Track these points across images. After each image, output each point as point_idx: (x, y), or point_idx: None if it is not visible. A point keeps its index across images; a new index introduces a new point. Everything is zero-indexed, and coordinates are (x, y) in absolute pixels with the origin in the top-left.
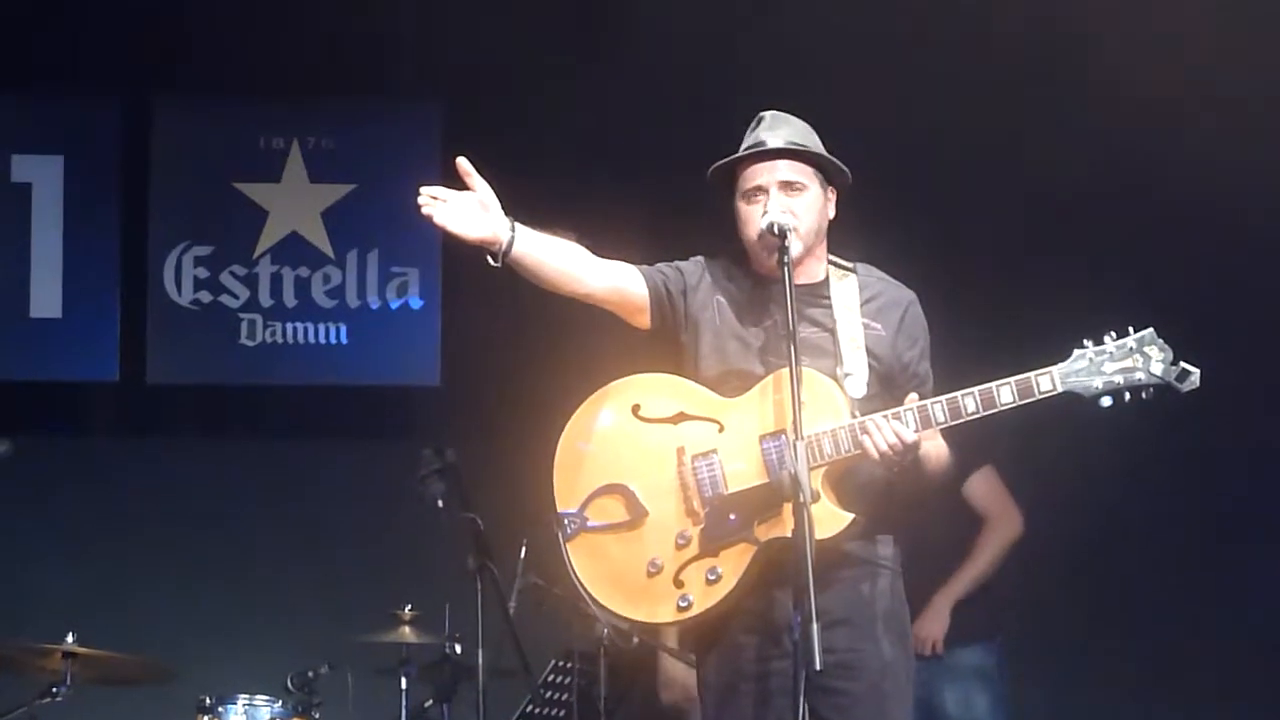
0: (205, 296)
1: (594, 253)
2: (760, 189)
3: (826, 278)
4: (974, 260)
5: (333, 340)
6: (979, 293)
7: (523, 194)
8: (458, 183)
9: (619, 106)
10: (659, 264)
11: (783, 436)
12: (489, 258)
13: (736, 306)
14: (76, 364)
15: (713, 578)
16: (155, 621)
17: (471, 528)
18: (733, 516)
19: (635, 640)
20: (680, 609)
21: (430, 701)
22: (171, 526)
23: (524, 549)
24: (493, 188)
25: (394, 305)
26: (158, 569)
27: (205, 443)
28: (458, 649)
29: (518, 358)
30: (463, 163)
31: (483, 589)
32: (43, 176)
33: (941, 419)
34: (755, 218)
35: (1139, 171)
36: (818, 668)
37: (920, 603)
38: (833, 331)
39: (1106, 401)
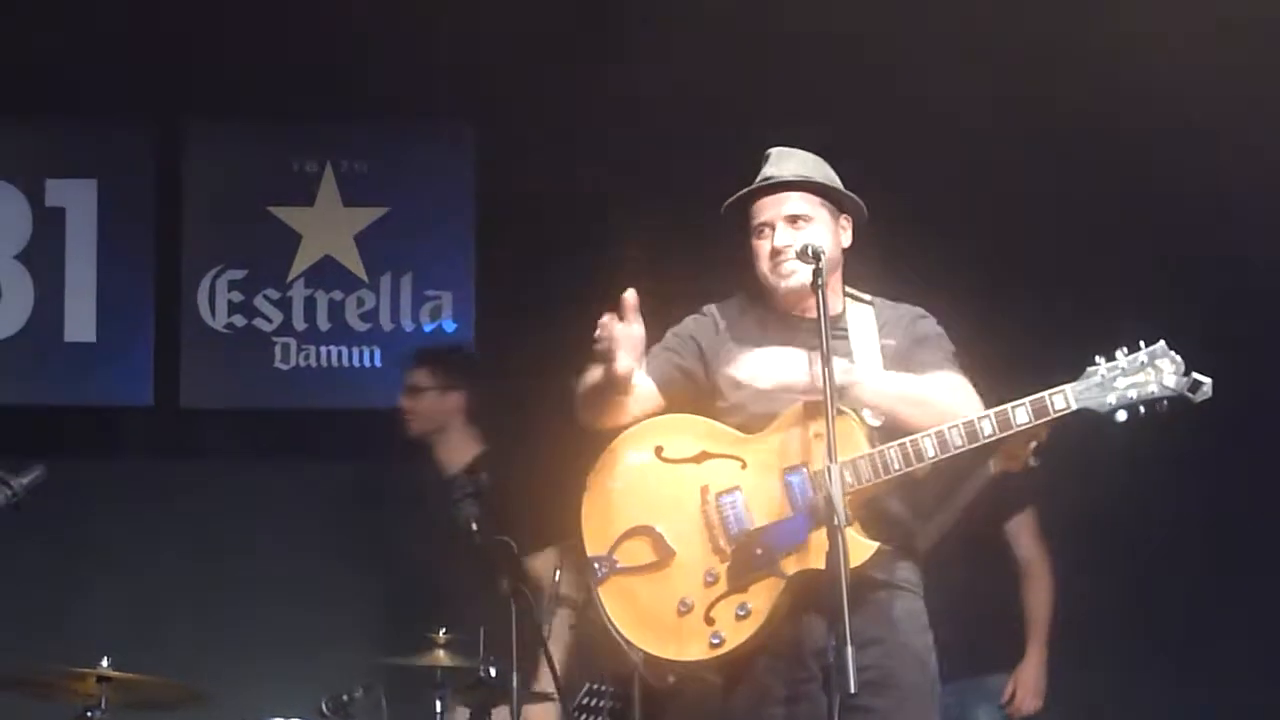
0: (239, 320)
1: (624, 274)
2: (767, 224)
3: (844, 310)
4: (999, 280)
5: (366, 363)
6: (1006, 314)
7: (555, 214)
8: (493, 206)
9: (651, 126)
10: (666, 341)
11: (803, 469)
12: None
13: (755, 347)
14: (111, 388)
15: (742, 613)
16: (190, 645)
17: (505, 551)
18: (758, 551)
19: (671, 679)
20: (713, 646)
21: None
22: (206, 550)
23: (558, 572)
24: (524, 208)
25: (427, 328)
26: (192, 593)
27: (239, 467)
28: (492, 672)
29: (552, 381)
30: (630, 297)
31: (517, 612)
32: (76, 201)
33: (959, 443)
34: (764, 253)
35: (1166, 181)
36: (852, 690)
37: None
38: (850, 363)
39: (1122, 416)
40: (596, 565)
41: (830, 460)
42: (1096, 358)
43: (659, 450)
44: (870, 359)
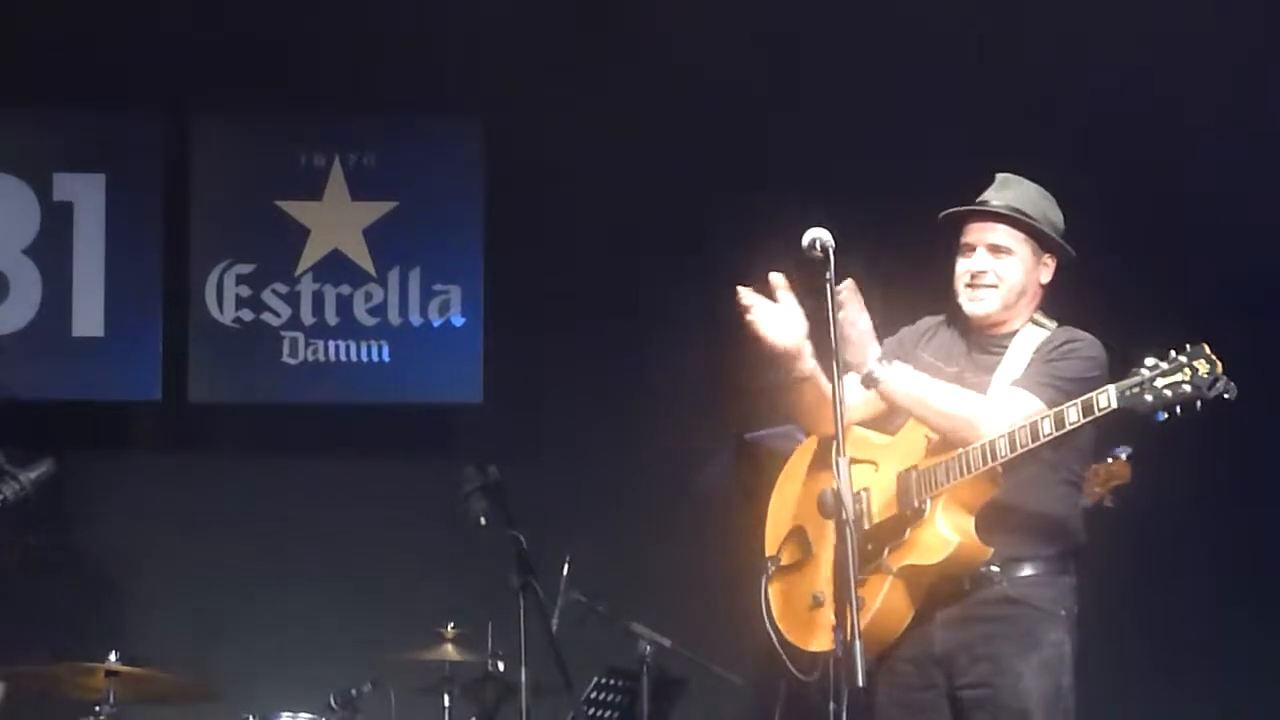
0: (247, 315)
1: (623, 265)
2: (970, 246)
3: (1017, 331)
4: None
5: (375, 358)
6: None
7: (564, 208)
8: (502, 200)
9: (656, 121)
10: (886, 346)
11: (915, 470)
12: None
13: (936, 353)
14: (119, 383)
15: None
16: (198, 639)
17: (514, 545)
18: (869, 547)
19: (817, 674)
20: (834, 638)
21: (473, 719)
22: (214, 545)
23: (567, 566)
24: (532, 202)
25: (436, 323)
26: (200, 587)
27: (247, 461)
28: (500, 667)
29: (560, 375)
30: (777, 279)
31: (525, 607)
32: (85, 195)
33: (1026, 441)
34: (962, 272)
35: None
36: (860, 684)
37: None
38: (992, 375)
39: (1162, 416)
40: (768, 564)
41: (838, 454)
42: (1146, 358)
43: (822, 459)
44: (1010, 375)
